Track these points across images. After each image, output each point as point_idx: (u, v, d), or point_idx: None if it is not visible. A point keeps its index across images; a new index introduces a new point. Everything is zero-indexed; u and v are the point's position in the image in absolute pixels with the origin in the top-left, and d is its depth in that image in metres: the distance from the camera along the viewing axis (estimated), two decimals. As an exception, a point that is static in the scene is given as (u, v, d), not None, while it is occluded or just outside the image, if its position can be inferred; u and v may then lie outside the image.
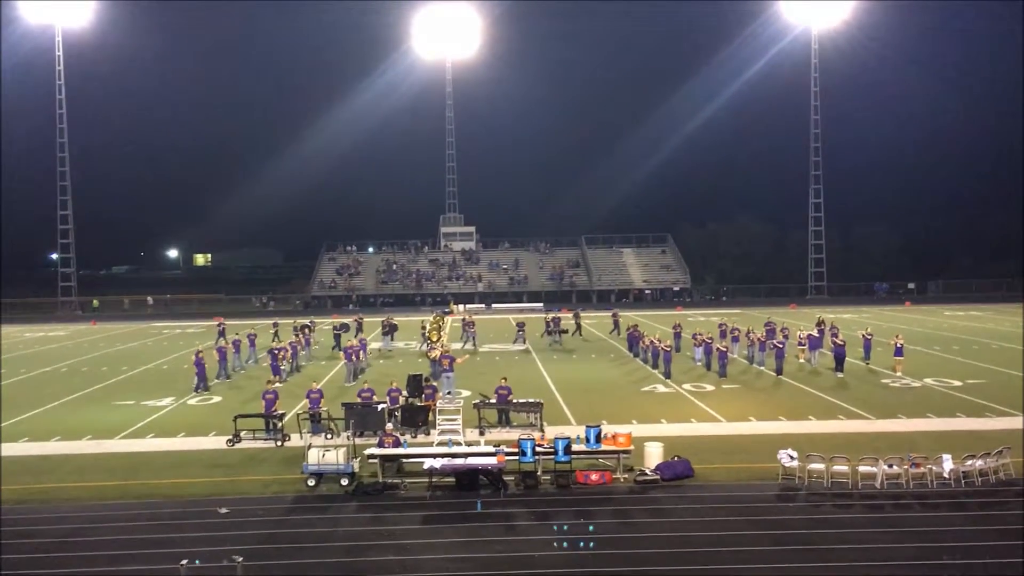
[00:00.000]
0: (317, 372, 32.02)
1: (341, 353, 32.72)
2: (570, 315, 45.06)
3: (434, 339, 32.84)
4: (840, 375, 29.18)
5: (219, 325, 44.00)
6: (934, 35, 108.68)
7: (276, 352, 30.62)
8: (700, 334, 32.89)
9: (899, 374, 29.08)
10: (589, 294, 72.21)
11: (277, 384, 24.27)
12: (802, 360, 32.36)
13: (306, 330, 37.90)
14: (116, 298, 77.18)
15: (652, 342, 31.94)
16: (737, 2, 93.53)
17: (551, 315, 42.44)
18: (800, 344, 33.13)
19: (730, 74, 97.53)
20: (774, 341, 31.63)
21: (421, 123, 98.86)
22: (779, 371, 29.45)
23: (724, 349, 30.37)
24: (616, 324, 44.33)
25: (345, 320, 43.87)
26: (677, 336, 35.88)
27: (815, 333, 33.78)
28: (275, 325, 42.13)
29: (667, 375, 29.29)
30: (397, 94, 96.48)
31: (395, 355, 37.27)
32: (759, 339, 32.12)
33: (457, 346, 37.58)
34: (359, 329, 43.40)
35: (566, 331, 41.12)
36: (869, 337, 32.32)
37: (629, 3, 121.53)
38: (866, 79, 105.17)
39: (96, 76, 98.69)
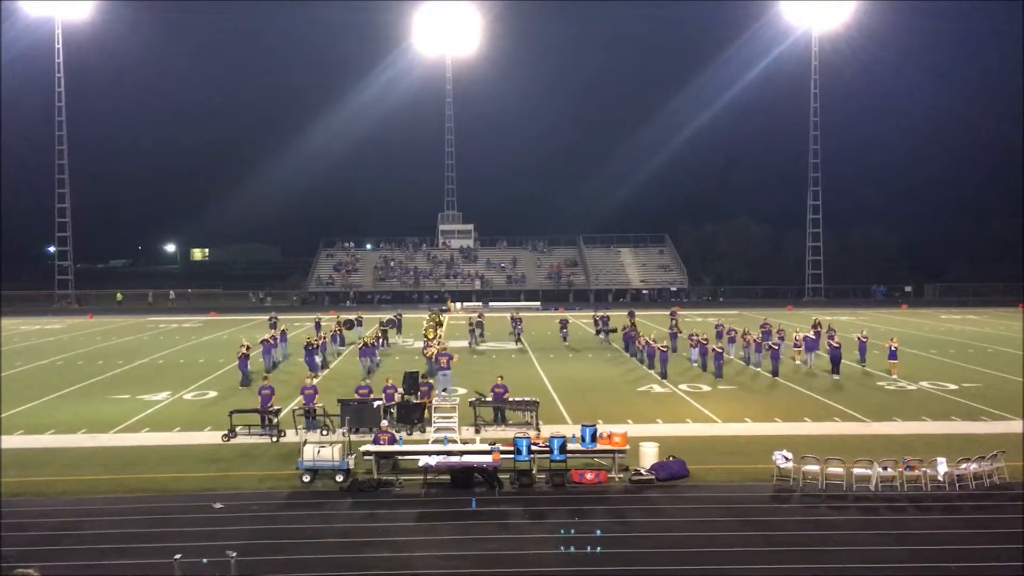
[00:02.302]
0: (337, 367, 31.84)
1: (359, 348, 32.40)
2: (624, 313, 44.52)
3: (430, 336, 32.85)
4: (836, 377, 29.21)
5: (271, 319, 45.13)
6: (934, 38, 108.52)
7: (312, 347, 30.55)
8: (696, 335, 32.92)
9: (895, 377, 29.12)
10: (586, 293, 72.24)
11: (316, 379, 24.31)
12: (798, 362, 32.41)
13: (340, 326, 38.14)
14: (141, 291, 76.90)
15: (648, 342, 31.96)
16: (738, 4, 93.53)
17: (600, 313, 42.70)
18: (796, 346, 33.18)
19: (730, 75, 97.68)
20: (770, 342, 31.72)
21: (420, 121, 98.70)
22: (775, 372, 29.49)
23: (720, 350, 30.41)
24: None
25: (390, 316, 44.36)
26: (673, 336, 35.92)
27: (811, 335, 33.81)
28: (318, 320, 42.96)
29: (663, 375, 29.32)
30: (397, 92, 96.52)
31: (393, 352, 37.23)
32: (755, 340, 32.14)
33: (465, 343, 37.59)
34: (399, 326, 43.65)
35: (614, 330, 40.87)
36: (865, 340, 32.41)
37: (630, 3, 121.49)
38: (866, 81, 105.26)
39: (95, 70, 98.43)
